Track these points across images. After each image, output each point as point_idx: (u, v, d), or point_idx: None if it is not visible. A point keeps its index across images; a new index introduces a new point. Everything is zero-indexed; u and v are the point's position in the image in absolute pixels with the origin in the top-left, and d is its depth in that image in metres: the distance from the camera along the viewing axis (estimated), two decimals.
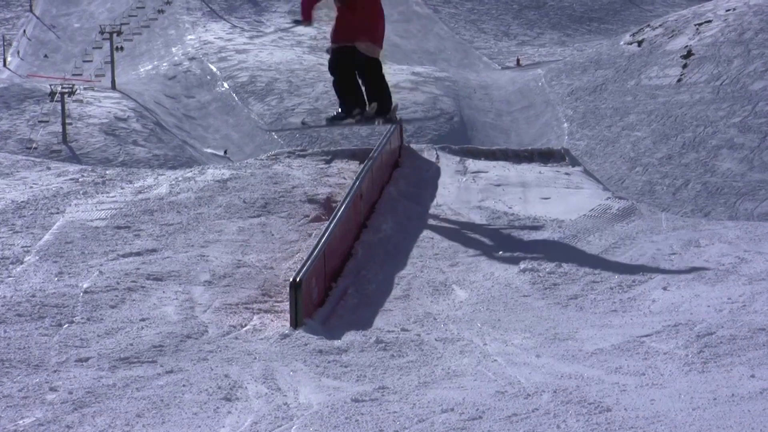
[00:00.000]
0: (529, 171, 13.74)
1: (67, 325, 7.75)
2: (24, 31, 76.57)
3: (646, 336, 7.40)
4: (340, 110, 11.76)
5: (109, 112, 54.55)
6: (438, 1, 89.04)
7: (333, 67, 11.54)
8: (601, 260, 9.58)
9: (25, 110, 54.81)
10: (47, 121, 52.40)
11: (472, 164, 13.91)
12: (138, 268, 9.27)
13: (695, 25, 62.57)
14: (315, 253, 8.62)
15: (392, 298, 8.90)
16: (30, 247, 9.95)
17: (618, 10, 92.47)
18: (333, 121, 11.91)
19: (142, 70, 66.87)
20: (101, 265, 9.36)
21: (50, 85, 56.14)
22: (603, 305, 8.40)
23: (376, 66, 11.50)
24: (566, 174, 13.69)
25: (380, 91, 11.60)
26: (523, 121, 59.82)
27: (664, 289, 8.68)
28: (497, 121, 60.38)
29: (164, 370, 6.84)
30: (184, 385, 6.54)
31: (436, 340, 7.59)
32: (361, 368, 6.93)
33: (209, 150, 54.18)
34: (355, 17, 11.28)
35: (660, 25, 65.32)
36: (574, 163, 14.66)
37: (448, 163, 13.86)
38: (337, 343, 7.48)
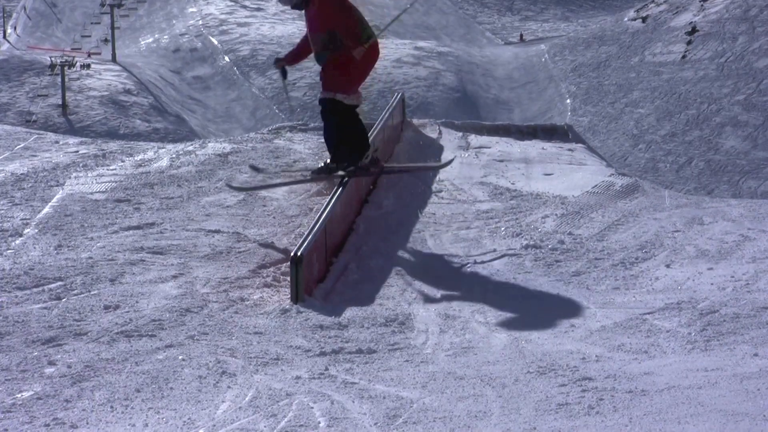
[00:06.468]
0: (532, 147, 13.67)
1: (66, 299, 7.71)
2: (24, 7, 76.17)
3: (649, 314, 7.37)
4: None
5: (110, 84, 54.37)
6: None
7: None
8: (603, 237, 9.53)
9: (24, 82, 54.65)
10: (46, 95, 52.27)
11: (474, 140, 13.85)
12: (138, 242, 9.22)
13: (700, 1, 62.25)
14: (316, 228, 8.57)
15: (393, 274, 8.85)
16: (29, 219, 9.90)
17: None
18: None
19: (142, 43, 66.58)
20: (101, 238, 9.32)
21: (50, 57, 55.88)
22: (606, 282, 8.36)
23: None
24: (569, 150, 13.63)
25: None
26: (526, 96, 59.62)
27: (667, 266, 8.63)
28: (500, 97, 60.20)
29: (164, 345, 6.81)
30: (183, 360, 6.50)
31: (437, 316, 7.56)
32: (361, 343, 6.90)
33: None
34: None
35: (664, 1, 64.98)
36: (577, 139, 14.59)
37: (450, 139, 13.79)
38: (337, 318, 7.45)
